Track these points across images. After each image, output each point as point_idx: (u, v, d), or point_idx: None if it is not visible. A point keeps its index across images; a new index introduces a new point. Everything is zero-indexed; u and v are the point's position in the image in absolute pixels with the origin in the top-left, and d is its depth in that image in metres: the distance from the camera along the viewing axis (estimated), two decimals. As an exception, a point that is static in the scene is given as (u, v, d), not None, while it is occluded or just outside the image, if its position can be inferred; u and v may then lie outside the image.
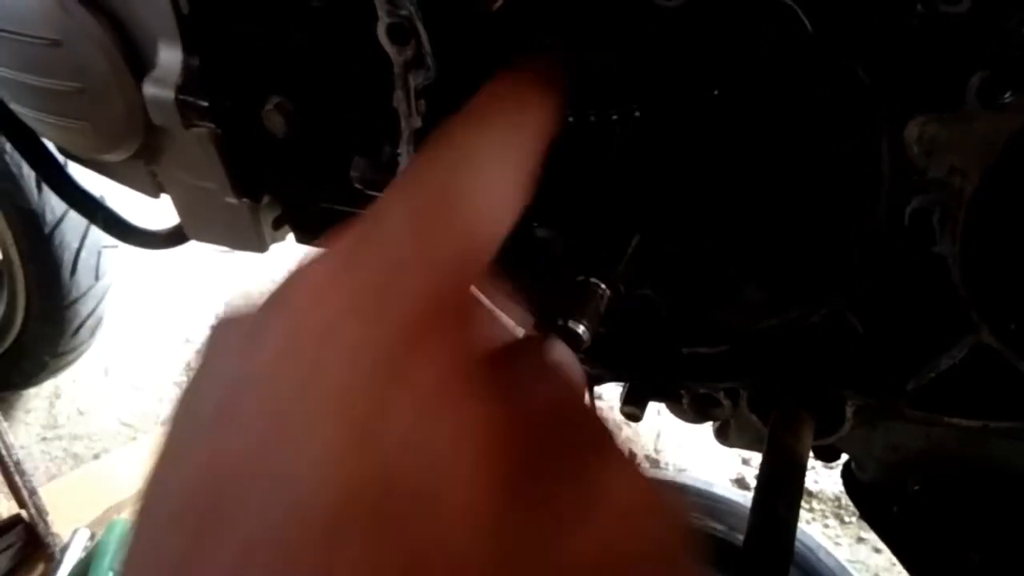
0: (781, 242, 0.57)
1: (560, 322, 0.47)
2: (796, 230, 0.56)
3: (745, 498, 1.33)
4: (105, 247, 1.92)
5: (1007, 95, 0.40)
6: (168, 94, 0.68)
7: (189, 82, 0.67)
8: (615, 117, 0.56)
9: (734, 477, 2.06)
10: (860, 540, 1.91)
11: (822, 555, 1.25)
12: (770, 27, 0.47)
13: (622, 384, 0.68)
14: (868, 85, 0.45)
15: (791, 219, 0.55)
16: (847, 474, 0.70)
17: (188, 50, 0.66)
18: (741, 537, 0.62)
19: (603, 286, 0.50)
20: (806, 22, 0.44)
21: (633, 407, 0.66)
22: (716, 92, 0.52)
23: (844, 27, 0.43)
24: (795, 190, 0.54)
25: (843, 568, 1.25)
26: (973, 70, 0.40)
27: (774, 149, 0.52)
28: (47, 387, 2.28)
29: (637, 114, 0.55)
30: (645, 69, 0.54)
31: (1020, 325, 0.49)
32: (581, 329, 0.47)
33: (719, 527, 1.24)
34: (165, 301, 2.54)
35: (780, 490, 0.55)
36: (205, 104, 0.66)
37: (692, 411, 0.67)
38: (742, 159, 0.53)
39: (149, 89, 0.70)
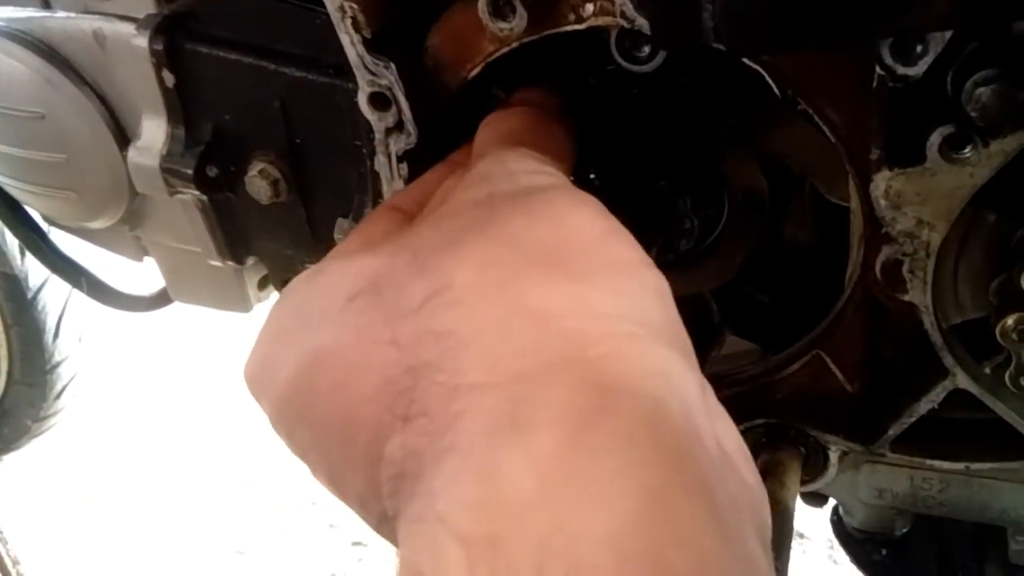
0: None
1: None
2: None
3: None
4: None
5: (966, 150, 0.42)
6: (153, 163, 0.69)
7: (174, 151, 0.68)
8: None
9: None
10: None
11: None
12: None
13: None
14: (835, 143, 0.46)
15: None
16: (835, 519, 0.70)
17: (172, 120, 0.67)
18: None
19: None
20: (773, 86, 0.46)
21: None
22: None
23: (808, 90, 0.45)
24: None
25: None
26: (933, 127, 0.42)
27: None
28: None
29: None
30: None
31: (994, 369, 0.51)
32: None
33: None
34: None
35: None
36: (189, 172, 0.67)
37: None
38: None
39: (134, 158, 0.70)
